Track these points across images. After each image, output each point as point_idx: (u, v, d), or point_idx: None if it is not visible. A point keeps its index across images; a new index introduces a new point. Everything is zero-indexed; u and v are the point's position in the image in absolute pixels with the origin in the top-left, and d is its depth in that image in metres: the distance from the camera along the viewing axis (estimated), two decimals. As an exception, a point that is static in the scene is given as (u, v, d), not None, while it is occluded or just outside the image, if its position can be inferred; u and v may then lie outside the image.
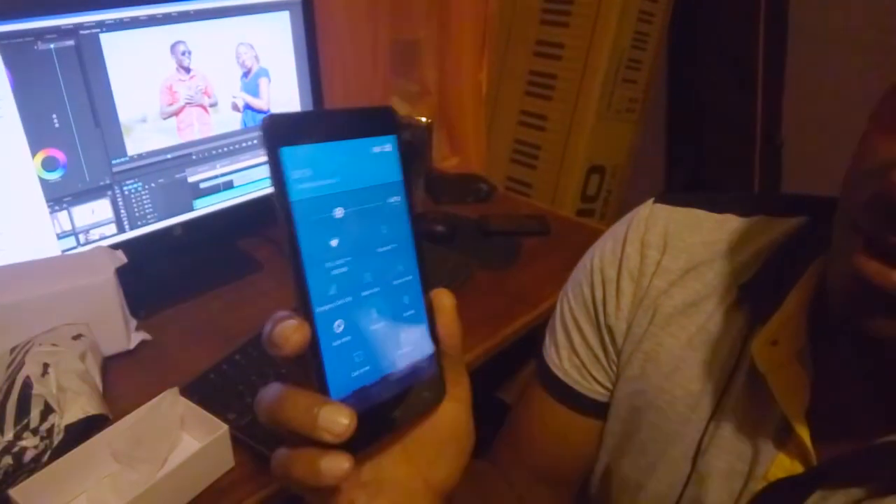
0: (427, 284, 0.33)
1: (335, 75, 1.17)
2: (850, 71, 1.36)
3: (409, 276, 0.32)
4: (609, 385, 0.55)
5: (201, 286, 1.00)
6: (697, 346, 0.49)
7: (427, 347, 0.33)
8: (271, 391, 0.29)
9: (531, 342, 0.86)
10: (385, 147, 0.30)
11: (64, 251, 0.88)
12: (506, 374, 1.39)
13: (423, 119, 1.42)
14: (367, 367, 0.30)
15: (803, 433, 0.42)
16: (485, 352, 0.92)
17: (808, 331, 0.43)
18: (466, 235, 1.18)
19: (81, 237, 0.90)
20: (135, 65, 0.88)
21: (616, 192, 1.42)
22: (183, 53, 0.93)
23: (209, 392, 0.75)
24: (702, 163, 1.39)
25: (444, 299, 0.34)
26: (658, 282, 0.51)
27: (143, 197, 0.95)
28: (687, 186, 1.34)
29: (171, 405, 0.70)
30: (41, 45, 0.80)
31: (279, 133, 0.26)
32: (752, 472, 0.45)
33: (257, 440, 0.71)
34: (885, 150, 0.33)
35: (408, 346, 0.32)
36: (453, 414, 0.36)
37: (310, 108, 1.12)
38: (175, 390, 0.70)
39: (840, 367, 0.42)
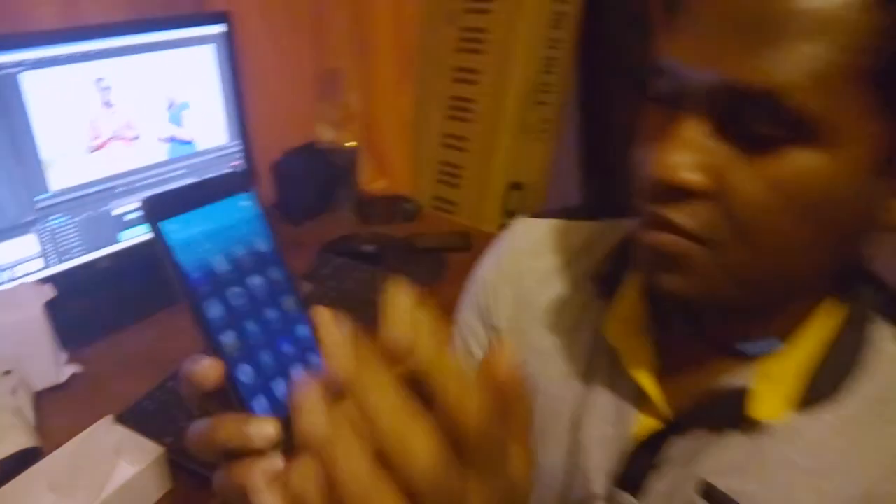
0: (306, 309, 0.37)
1: (261, 104, 1.20)
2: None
3: (293, 305, 0.36)
4: None
5: (130, 317, 1.00)
6: (566, 334, 0.57)
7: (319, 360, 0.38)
8: (201, 423, 0.32)
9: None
10: (245, 203, 0.35)
11: (-12, 289, 0.88)
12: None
13: (350, 143, 1.47)
14: (278, 385, 0.35)
15: (654, 394, 0.49)
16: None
17: (648, 307, 0.51)
18: (395, 254, 1.23)
19: (7, 274, 0.89)
20: (57, 102, 0.89)
21: (534, 207, 1.50)
22: (104, 89, 0.94)
23: (144, 419, 0.77)
24: (611, 174, 1.49)
25: (321, 315, 0.38)
26: (531, 283, 0.60)
27: (69, 231, 0.95)
28: (599, 198, 1.44)
29: (106, 433, 0.71)
30: (-41, 85, 0.80)
31: (157, 210, 0.31)
32: (622, 435, 0.52)
33: (194, 462, 0.73)
34: (643, 150, 0.42)
35: (304, 361, 0.37)
36: None
37: (236, 136, 1.15)
38: (109, 418, 0.72)
39: (674, 332, 0.50)
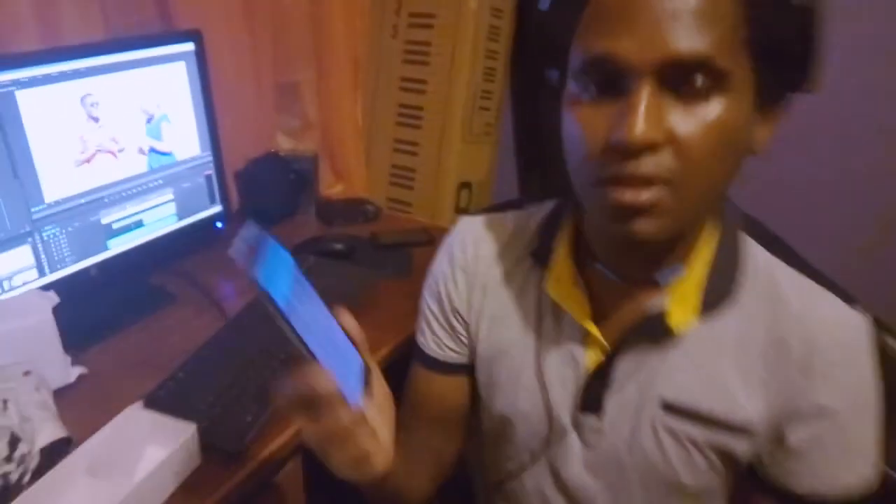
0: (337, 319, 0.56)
1: (227, 116, 1.26)
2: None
3: (332, 319, 0.54)
4: (461, 350, 0.76)
5: (123, 321, 1.04)
6: (515, 301, 0.70)
7: (354, 351, 0.56)
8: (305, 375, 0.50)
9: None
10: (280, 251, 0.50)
11: (-12, 299, 0.91)
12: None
13: (309, 151, 1.54)
14: (339, 369, 0.51)
15: (594, 331, 0.63)
16: (397, 346, 1.06)
17: (576, 264, 0.65)
18: (363, 251, 1.32)
19: (6, 284, 0.93)
20: (49, 117, 0.93)
21: (483, 203, 1.63)
22: (91, 105, 0.99)
23: (170, 402, 0.83)
24: (546, 172, 1.64)
25: (345, 318, 0.56)
26: (479, 268, 0.72)
27: (61, 241, 0.99)
28: (540, 191, 1.58)
29: (136, 417, 0.77)
30: (-40, 104, 0.84)
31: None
32: (577, 372, 0.65)
33: (220, 439, 0.80)
34: (593, 123, 0.52)
35: (349, 352, 0.53)
36: (380, 383, 0.60)
37: (207, 147, 1.21)
38: (139, 403, 0.78)
39: (599, 280, 0.64)
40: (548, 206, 0.72)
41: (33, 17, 1.01)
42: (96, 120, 1.00)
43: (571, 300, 0.64)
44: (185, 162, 1.17)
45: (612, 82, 0.51)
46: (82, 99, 0.97)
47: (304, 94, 1.50)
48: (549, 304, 0.66)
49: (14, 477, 0.69)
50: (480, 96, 1.58)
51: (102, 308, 1.06)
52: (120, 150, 1.05)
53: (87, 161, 1.00)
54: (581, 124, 0.53)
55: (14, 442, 0.72)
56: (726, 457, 0.62)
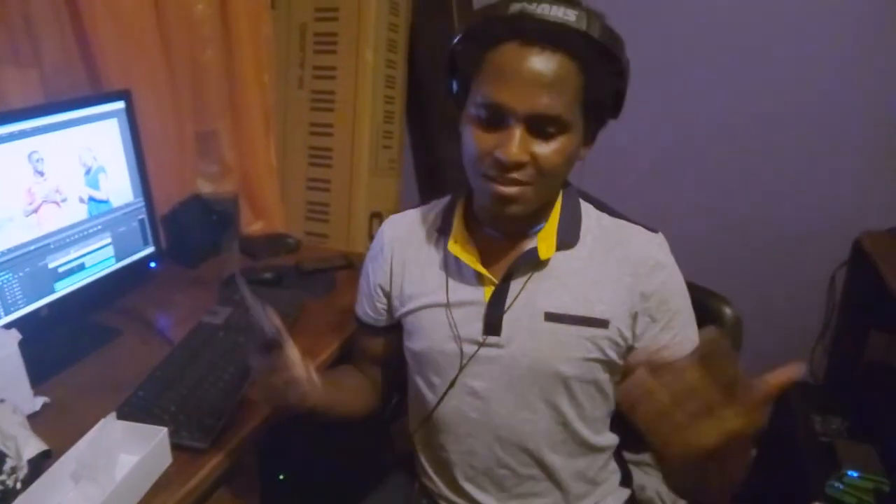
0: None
1: (152, 163, 1.36)
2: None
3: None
4: (379, 318, 1.02)
5: (76, 355, 1.12)
6: (430, 264, 0.94)
7: None
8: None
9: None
10: None
11: (-51, 342, 0.97)
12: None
13: (228, 193, 1.66)
14: None
15: (485, 272, 0.89)
16: (331, 354, 1.21)
17: (468, 231, 0.91)
18: (290, 278, 1.45)
19: (-37, 327, 0.99)
20: (1, 174, 1.02)
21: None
22: (37, 160, 1.08)
23: (139, 411, 0.93)
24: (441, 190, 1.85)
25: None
26: (398, 248, 0.98)
27: (14, 285, 1.07)
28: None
29: (111, 426, 0.87)
30: (-79, 166, 0.92)
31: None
32: (478, 307, 0.89)
33: (187, 439, 0.91)
34: (485, 141, 0.79)
35: None
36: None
37: (139, 193, 1.31)
38: (113, 414, 0.88)
39: (486, 239, 0.90)
40: (445, 199, 0.99)
41: (-27, 85, 1.09)
42: (42, 174, 1.09)
43: (467, 254, 0.89)
44: (120, 208, 1.27)
45: (498, 118, 0.78)
46: (29, 156, 1.07)
47: (221, 140, 1.63)
48: (452, 262, 0.91)
49: (10, 484, 0.78)
50: (383, 136, 1.77)
51: (55, 345, 1.13)
52: (63, 200, 1.14)
53: (35, 211, 1.09)
54: (476, 139, 0.80)
55: (2, 458, 0.80)
56: (593, 344, 0.85)
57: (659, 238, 0.90)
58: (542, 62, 0.75)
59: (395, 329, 1.01)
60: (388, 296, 0.99)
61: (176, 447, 0.91)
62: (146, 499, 0.84)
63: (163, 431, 0.87)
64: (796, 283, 1.78)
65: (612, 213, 0.93)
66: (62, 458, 0.83)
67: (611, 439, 0.96)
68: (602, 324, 0.85)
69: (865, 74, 1.60)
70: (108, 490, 0.79)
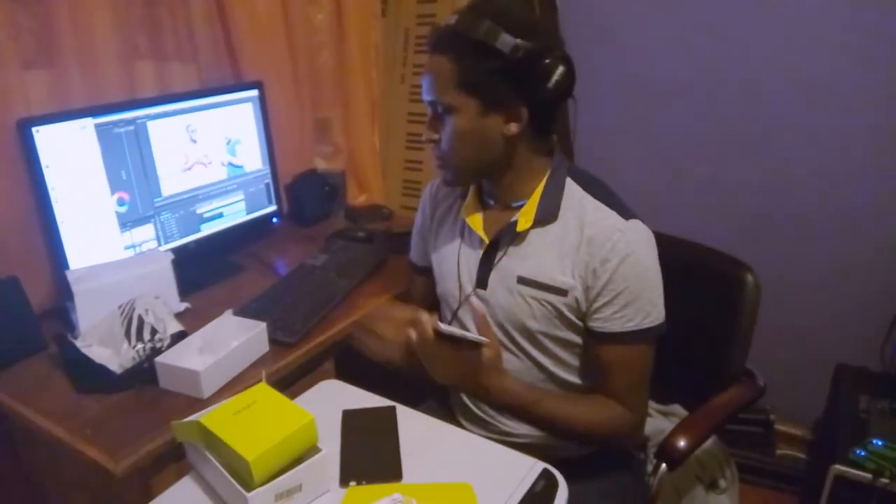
0: None
1: (279, 142, 1.69)
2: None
3: None
4: (425, 258, 1.22)
5: (211, 281, 1.44)
6: (451, 225, 1.14)
7: None
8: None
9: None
10: None
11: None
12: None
13: (338, 170, 1.97)
14: None
15: (483, 235, 1.06)
16: (397, 294, 1.45)
17: (478, 200, 1.09)
18: (379, 239, 1.71)
19: (137, 248, 1.35)
20: (167, 139, 1.37)
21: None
22: (192, 132, 1.43)
23: (250, 313, 1.22)
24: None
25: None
26: (433, 207, 1.20)
27: (172, 223, 1.42)
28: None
29: (227, 319, 1.17)
30: (116, 130, 1.28)
31: None
32: (475, 262, 1.07)
33: (283, 335, 1.19)
34: (427, 132, 1.01)
35: None
36: None
37: (266, 163, 1.63)
38: (229, 311, 1.18)
39: (487, 207, 1.08)
40: None
41: (153, 76, 1.46)
42: (195, 142, 1.44)
43: (471, 218, 1.08)
44: (251, 173, 1.60)
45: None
46: (186, 128, 1.41)
47: (334, 126, 1.94)
48: (464, 223, 1.09)
49: (158, 346, 1.09)
50: (469, 124, 2.00)
51: (197, 272, 1.47)
52: (209, 163, 1.48)
53: (189, 169, 1.44)
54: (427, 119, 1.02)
55: (154, 333, 1.12)
56: (552, 307, 0.99)
57: (629, 225, 0.95)
58: (428, 64, 0.96)
59: (431, 271, 1.21)
60: (426, 243, 1.22)
61: (273, 341, 1.19)
62: (247, 370, 1.12)
63: (262, 325, 1.16)
64: (869, 269, 1.76)
65: (598, 194, 0.99)
66: (192, 335, 1.14)
67: None
68: (562, 292, 0.98)
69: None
70: (219, 357, 1.08)
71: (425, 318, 0.90)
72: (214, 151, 1.49)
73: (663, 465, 1.04)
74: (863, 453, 1.32)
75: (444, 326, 0.86)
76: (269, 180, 1.65)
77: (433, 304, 1.24)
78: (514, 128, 0.95)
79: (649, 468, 1.08)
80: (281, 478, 0.71)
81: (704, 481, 1.28)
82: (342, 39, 1.86)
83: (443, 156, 1.00)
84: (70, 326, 1.20)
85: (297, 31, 1.72)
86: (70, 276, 1.18)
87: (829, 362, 1.79)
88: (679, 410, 1.35)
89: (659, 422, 1.31)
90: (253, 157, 1.60)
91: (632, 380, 0.99)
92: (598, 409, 0.99)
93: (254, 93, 1.57)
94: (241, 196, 1.58)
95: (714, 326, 1.21)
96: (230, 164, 1.54)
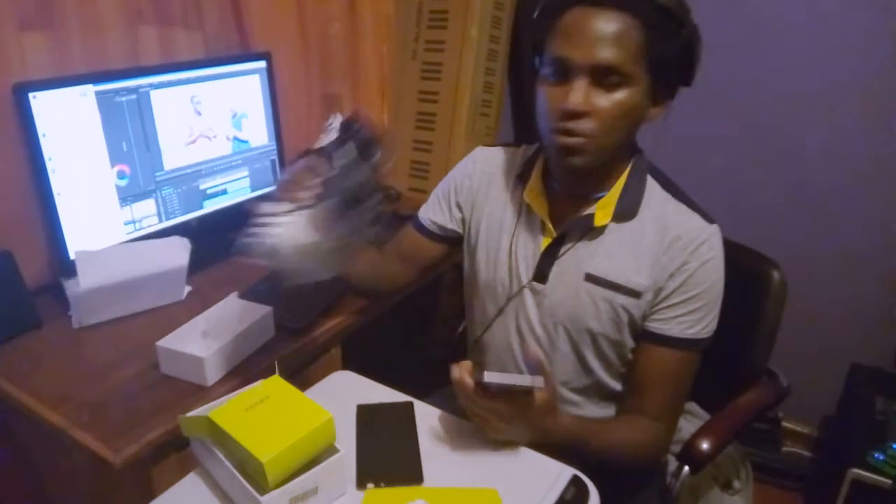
0: None
1: (287, 116, 1.61)
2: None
3: None
4: (440, 227, 1.09)
5: (213, 260, 1.37)
6: (504, 204, 1.02)
7: None
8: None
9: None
10: None
11: (128, 234, 1.26)
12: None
13: (345, 148, 1.89)
14: None
15: (548, 223, 0.95)
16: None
17: (543, 183, 0.97)
18: (387, 220, 1.66)
19: (137, 224, 1.28)
20: (170, 109, 1.30)
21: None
22: (197, 103, 1.35)
23: (255, 296, 1.16)
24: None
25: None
26: (484, 181, 1.06)
27: (174, 198, 1.35)
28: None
29: (232, 302, 1.11)
30: (118, 98, 1.20)
31: None
32: (535, 252, 0.97)
33: (287, 321, 1.13)
34: (552, 95, 0.85)
35: None
36: None
37: (272, 138, 1.56)
38: (234, 294, 1.12)
39: (555, 194, 0.96)
40: (532, 147, 1.05)
41: (157, 42, 1.38)
42: (199, 114, 1.36)
43: (537, 203, 0.97)
44: (257, 148, 1.53)
45: (564, 73, 0.83)
46: (191, 98, 1.34)
47: (343, 102, 1.86)
48: (525, 207, 0.99)
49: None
50: (481, 104, 1.92)
51: (199, 250, 1.40)
52: (214, 137, 1.41)
53: (193, 142, 1.36)
54: (546, 96, 0.86)
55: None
56: (622, 309, 0.92)
57: (712, 229, 0.91)
58: (603, 20, 0.80)
59: (439, 243, 1.11)
60: (461, 217, 1.08)
61: (279, 327, 1.13)
62: (252, 357, 1.07)
63: (268, 309, 1.10)
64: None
65: (677, 194, 0.94)
66: (195, 318, 1.08)
67: None
68: (635, 294, 0.91)
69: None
70: (223, 343, 1.02)
71: (456, 372, 0.76)
72: (219, 125, 1.42)
73: (685, 468, 0.99)
74: (881, 457, 1.28)
75: (489, 376, 0.72)
76: (274, 157, 1.58)
77: (415, 276, 1.16)
78: (655, 114, 0.88)
79: (670, 469, 1.04)
80: (296, 480, 0.65)
81: (719, 481, 1.24)
82: (353, 13, 1.77)
83: (589, 132, 0.83)
84: (66, 304, 1.13)
85: (307, 2, 1.64)
86: (79, 264, 1.10)
87: (840, 361, 1.75)
88: (696, 409, 1.30)
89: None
90: (259, 132, 1.53)
91: (673, 392, 0.94)
92: (640, 433, 0.93)
93: (261, 64, 1.49)
94: (245, 172, 1.51)
95: (737, 324, 1.16)
96: (235, 138, 1.46)
